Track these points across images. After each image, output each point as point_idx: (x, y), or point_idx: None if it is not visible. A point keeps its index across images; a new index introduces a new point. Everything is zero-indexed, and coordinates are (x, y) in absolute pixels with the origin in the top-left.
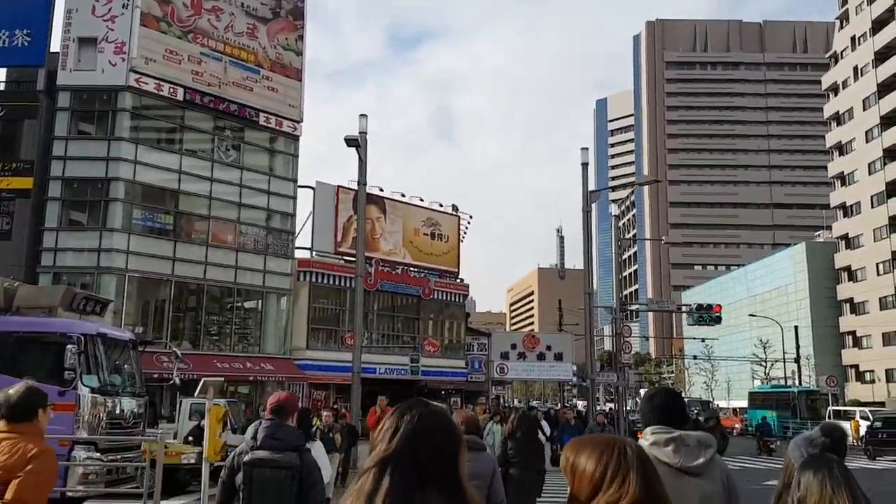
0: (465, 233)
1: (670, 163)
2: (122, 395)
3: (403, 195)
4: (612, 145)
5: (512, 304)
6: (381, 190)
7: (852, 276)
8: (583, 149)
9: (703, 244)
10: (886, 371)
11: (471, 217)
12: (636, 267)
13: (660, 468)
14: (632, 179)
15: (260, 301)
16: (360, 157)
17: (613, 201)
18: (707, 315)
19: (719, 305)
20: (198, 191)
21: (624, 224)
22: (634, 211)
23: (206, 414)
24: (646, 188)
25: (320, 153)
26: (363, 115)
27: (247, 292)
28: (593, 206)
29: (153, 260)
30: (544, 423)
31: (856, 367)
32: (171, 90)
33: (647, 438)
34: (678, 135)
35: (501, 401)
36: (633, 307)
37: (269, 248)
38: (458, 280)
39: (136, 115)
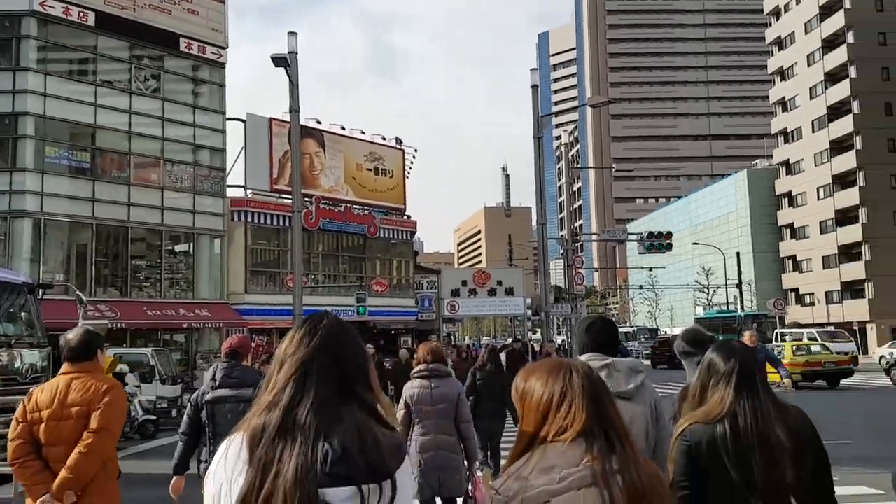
0: (410, 167)
1: (612, 96)
2: (17, 346)
3: (343, 128)
4: (556, 80)
5: (459, 244)
6: (319, 122)
7: (793, 202)
8: (532, 70)
9: (644, 177)
10: (826, 293)
11: (416, 151)
12: (580, 202)
13: None
14: (576, 117)
15: (192, 244)
16: (290, 80)
17: (557, 137)
18: (658, 242)
19: (670, 233)
20: (116, 125)
21: (568, 160)
22: (578, 147)
23: None
24: (588, 124)
25: (252, 98)
26: (292, 34)
27: (177, 235)
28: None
29: (71, 202)
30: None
31: (796, 290)
32: (81, 14)
33: None
34: (620, 68)
35: (453, 339)
36: (586, 238)
37: (199, 186)
38: (405, 217)
39: (43, 43)
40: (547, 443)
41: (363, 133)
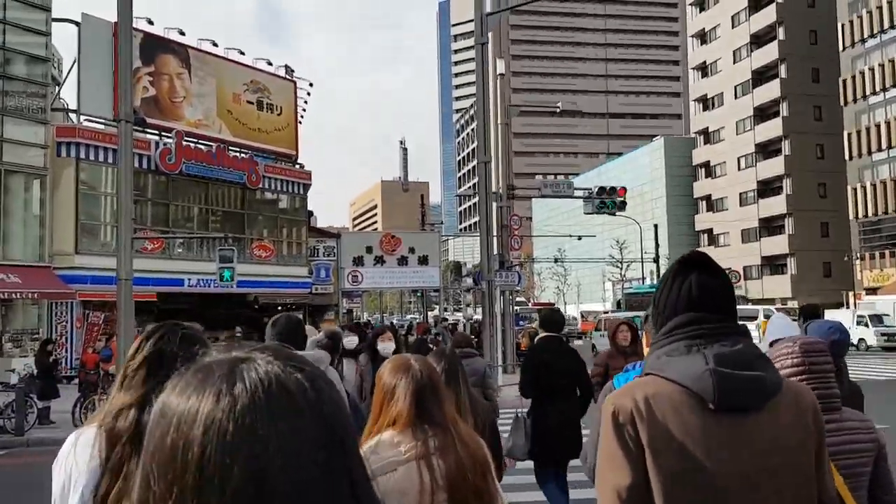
0: (305, 107)
1: (514, 70)
2: None
3: (216, 44)
4: (456, 51)
5: (355, 219)
6: (183, 34)
7: (710, 173)
8: None
9: (545, 153)
10: (744, 268)
11: (311, 85)
12: (476, 180)
13: None
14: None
15: None
16: None
17: (457, 111)
18: (610, 200)
19: (624, 189)
20: None
21: (468, 134)
22: (476, 123)
23: None
24: (491, 98)
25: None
26: None
27: None
28: (436, 122)
29: None
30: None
31: None
32: None
33: None
34: (522, 41)
35: (353, 315)
36: (522, 193)
37: (10, 105)
38: (297, 166)
39: None
40: (392, 426)
41: (243, 54)
